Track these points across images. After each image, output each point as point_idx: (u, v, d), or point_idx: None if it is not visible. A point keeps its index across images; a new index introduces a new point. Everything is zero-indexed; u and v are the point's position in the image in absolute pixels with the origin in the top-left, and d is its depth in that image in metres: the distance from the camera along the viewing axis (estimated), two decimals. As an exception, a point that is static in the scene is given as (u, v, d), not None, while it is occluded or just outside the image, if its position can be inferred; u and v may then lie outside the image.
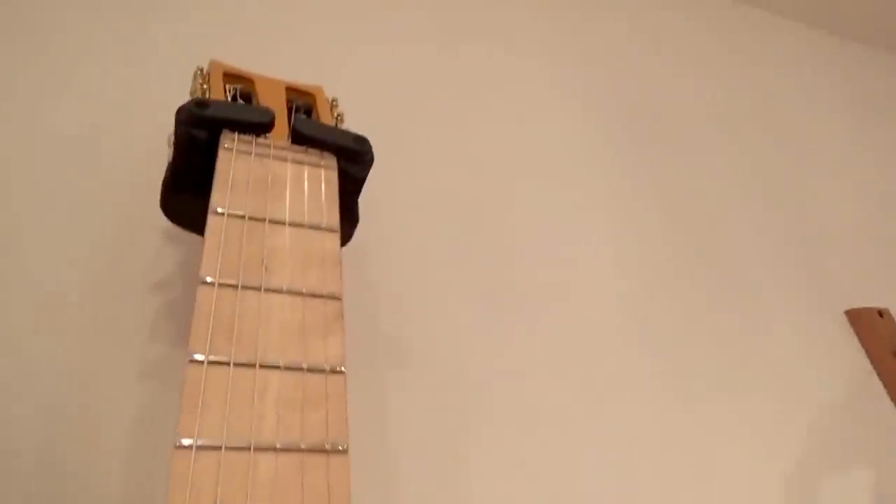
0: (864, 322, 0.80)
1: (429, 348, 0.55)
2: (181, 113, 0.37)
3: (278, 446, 0.28)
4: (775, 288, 0.79)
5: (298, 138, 0.40)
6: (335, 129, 0.42)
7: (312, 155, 0.40)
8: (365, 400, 0.49)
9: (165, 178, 0.40)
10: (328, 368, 0.32)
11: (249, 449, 0.28)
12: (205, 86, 0.44)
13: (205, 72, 0.46)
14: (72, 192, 0.50)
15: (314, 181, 0.39)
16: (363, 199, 0.45)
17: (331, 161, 0.40)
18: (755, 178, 0.92)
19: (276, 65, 0.52)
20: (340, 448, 0.29)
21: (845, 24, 1.31)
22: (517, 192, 0.71)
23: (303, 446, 0.29)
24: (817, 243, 0.88)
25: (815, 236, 0.89)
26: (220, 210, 0.35)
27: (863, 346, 0.79)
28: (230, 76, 0.47)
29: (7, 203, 0.48)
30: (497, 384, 0.55)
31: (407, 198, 0.64)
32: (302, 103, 0.48)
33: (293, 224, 0.36)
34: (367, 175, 0.42)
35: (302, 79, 0.51)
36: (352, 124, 0.45)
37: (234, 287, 0.32)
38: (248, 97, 0.46)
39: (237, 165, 0.37)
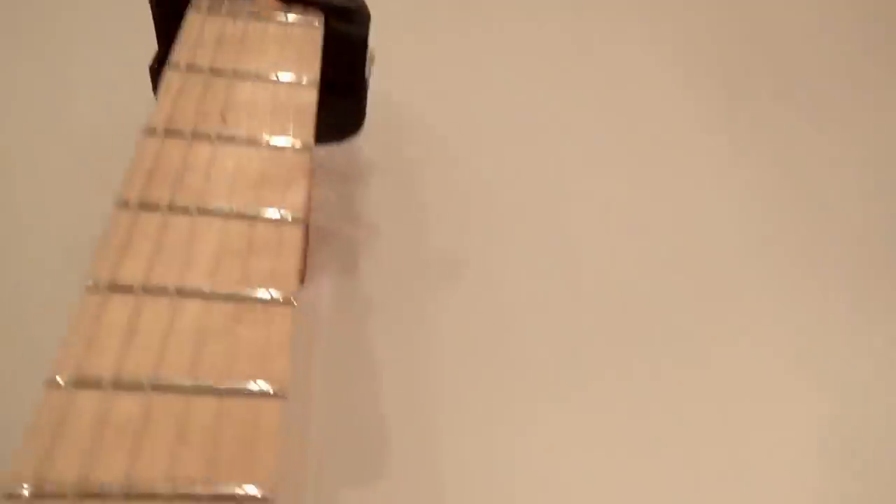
0: None
1: (479, 279, 0.49)
2: None
3: (207, 292, 0.24)
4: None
5: (281, -5, 0.36)
6: None
7: (295, 11, 0.36)
8: (401, 329, 0.44)
9: (151, 63, 0.38)
10: (284, 217, 0.27)
11: (171, 293, 0.24)
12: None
13: None
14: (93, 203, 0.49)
15: (294, 38, 0.34)
16: (428, 125, 0.39)
17: (315, 18, 0.36)
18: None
19: None
20: (283, 298, 0.25)
21: None
22: (599, 146, 0.62)
23: (240, 294, 0.24)
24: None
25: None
26: (179, 63, 0.31)
27: None
28: None
29: (30, 225, 0.48)
30: (552, 335, 0.47)
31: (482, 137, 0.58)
32: None
33: (263, 78, 0.32)
34: (366, 35, 0.37)
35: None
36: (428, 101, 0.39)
37: (183, 136, 0.29)
38: None
39: (207, 24, 0.34)
